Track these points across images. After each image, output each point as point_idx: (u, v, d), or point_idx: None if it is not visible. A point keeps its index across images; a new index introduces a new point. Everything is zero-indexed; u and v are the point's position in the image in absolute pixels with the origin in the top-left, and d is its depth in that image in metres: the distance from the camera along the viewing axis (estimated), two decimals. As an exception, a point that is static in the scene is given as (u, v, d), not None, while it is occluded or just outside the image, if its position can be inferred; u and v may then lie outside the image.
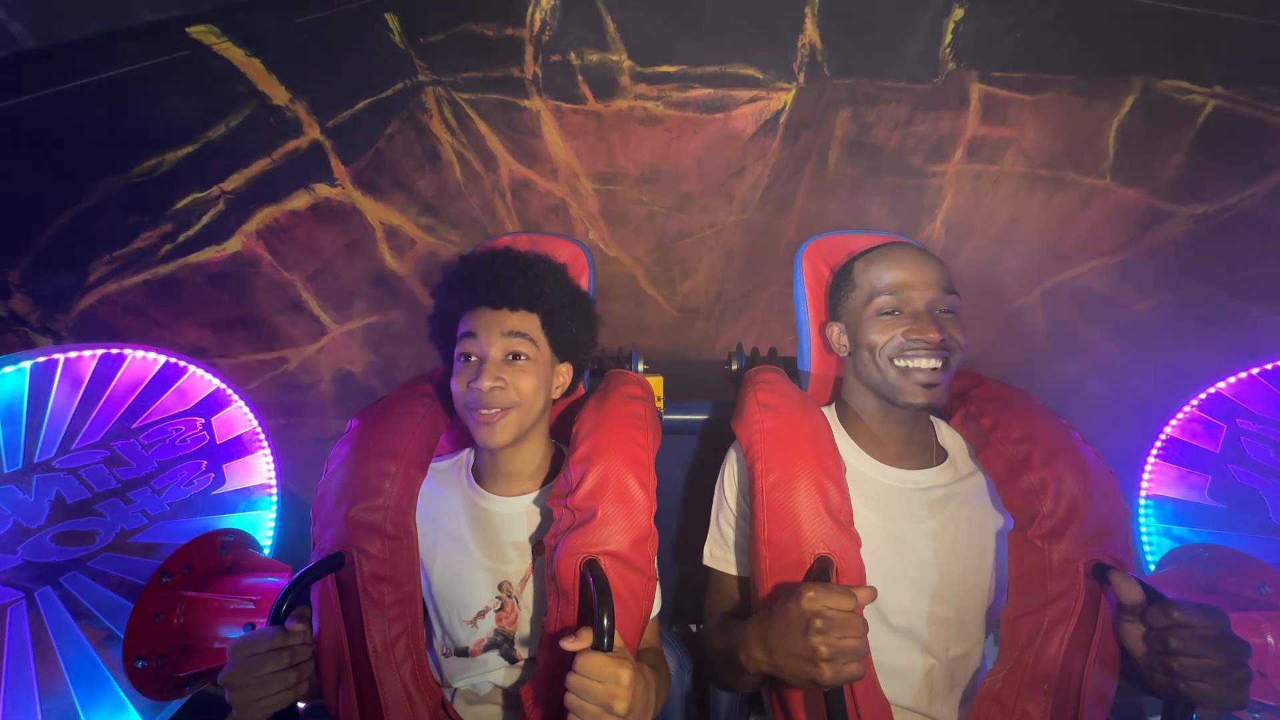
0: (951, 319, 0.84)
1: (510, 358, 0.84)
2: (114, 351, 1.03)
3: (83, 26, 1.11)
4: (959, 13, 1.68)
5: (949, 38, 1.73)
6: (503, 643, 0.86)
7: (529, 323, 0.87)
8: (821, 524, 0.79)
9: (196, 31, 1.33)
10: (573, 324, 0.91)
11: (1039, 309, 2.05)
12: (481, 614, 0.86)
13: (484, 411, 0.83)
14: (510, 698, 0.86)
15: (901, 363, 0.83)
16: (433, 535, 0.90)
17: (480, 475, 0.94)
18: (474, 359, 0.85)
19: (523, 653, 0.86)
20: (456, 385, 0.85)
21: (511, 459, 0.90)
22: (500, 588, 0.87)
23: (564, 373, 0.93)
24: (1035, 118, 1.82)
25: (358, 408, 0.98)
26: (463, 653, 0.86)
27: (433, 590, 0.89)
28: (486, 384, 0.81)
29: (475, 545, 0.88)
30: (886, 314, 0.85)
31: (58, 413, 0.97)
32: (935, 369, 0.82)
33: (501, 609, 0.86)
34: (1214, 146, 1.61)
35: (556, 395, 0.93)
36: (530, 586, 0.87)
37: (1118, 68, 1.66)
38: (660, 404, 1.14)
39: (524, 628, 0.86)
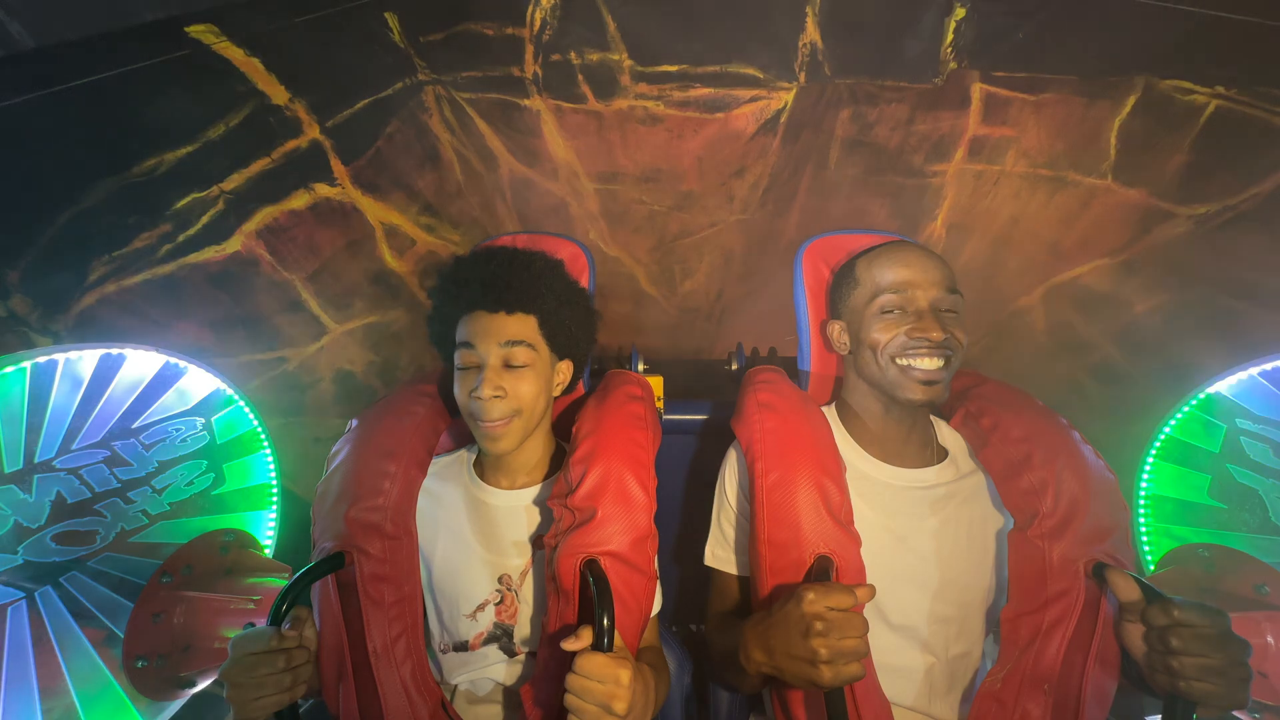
0: (954, 318, 0.83)
1: (509, 366, 0.85)
2: (114, 351, 1.03)
3: (83, 26, 1.11)
4: (960, 12, 1.68)
5: (950, 37, 1.73)
6: (502, 636, 0.86)
7: (526, 326, 0.86)
8: (821, 523, 0.78)
9: (196, 31, 1.33)
10: (571, 322, 0.91)
11: (1039, 309, 2.05)
12: (481, 607, 0.86)
13: (486, 423, 0.83)
14: (510, 696, 0.86)
15: (903, 361, 0.82)
16: (433, 529, 0.90)
17: (482, 469, 0.94)
18: (473, 368, 0.85)
19: (522, 647, 0.86)
20: (459, 393, 0.85)
21: (513, 455, 0.90)
22: (500, 581, 0.87)
23: (564, 370, 0.93)
24: (1036, 117, 1.81)
25: (358, 408, 0.98)
26: (461, 647, 0.86)
27: (433, 583, 0.89)
28: (487, 392, 0.81)
29: (475, 538, 0.88)
30: (889, 312, 0.84)
31: (58, 413, 0.97)
32: (938, 368, 0.81)
33: (501, 602, 0.86)
34: (1215, 147, 1.60)
35: (557, 393, 0.93)
36: (530, 580, 0.87)
37: (1119, 67, 1.66)
38: (660, 404, 1.14)
39: (523, 621, 0.86)
